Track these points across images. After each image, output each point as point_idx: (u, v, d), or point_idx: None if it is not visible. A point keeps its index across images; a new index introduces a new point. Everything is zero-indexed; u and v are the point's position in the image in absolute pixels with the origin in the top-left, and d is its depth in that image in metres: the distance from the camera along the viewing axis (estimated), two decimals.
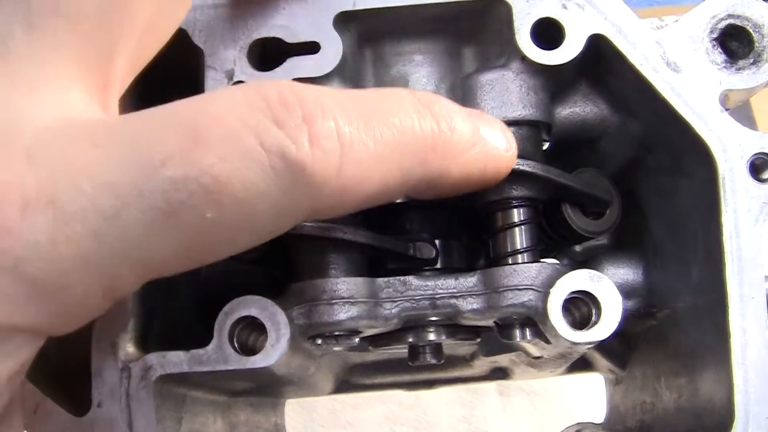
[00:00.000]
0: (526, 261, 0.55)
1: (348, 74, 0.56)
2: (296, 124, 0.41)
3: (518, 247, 0.55)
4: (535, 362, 0.71)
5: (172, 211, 0.39)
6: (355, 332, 0.55)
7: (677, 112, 0.53)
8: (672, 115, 0.54)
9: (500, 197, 0.54)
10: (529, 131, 0.56)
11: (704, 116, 0.53)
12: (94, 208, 0.39)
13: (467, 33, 0.58)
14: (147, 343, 0.55)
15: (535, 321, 0.54)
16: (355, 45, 0.58)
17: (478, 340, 0.64)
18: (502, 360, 0.80)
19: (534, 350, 0.64)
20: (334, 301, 0.53)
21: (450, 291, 0.55)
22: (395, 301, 0.55)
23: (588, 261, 0.66)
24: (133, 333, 0.54)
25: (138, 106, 0.55)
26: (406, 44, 0.59)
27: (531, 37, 0.54)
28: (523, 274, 0.53)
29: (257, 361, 0.51)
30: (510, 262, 0.55)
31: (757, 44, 0.54)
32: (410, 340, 0.60)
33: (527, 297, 0.53)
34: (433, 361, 0.63)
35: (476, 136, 0.49)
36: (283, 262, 0.56)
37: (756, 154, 0.53)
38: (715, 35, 0.54)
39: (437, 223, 0.58)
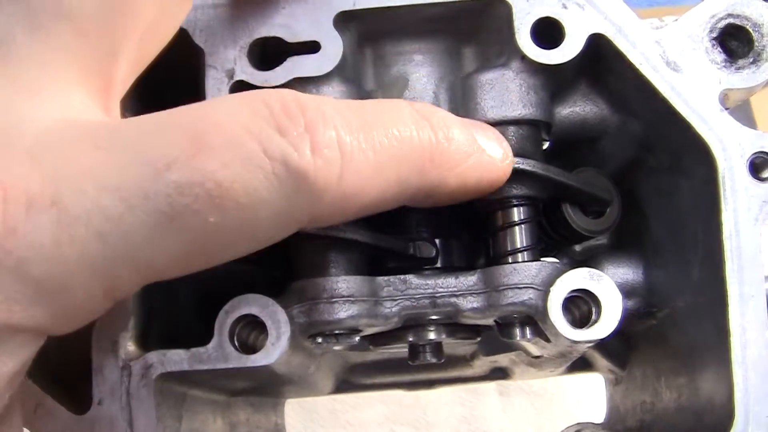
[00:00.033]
0: (526, 260, 0.55)
1: (348, 74, 0.56)
2: (298, 133, 0.42)
3: (518, 245, 0.55)
4: (535, 362, 0.71)
5: (176, 214, 0.40)
6: (355, 331, 0.56)
7: (677, 111, 0.54)
8: (672, 115, 0.54)
9: (500, 196, 0.54)
10: (529, 130, 0.56)
11: (704, 115, 0.53)
12: (98, 210, 0.39)
13: (467, 32, 0.58)
14: (147, 341, 0.55)
15: (535, 320, 0.54)
16: (356, 44, 0.58)
17: (478, 339, 0.64)
18: (502, 360, 0.80)
19: (534, 349, 0.64)
20: (334, 299, 0.53)
21: (450, 289, 0.55)
22: (395, 300, 0.55)
23: (588, 260, 0.66)
24: (133, 331, 0.54)
25: (138, 106, 0.56)
26: (406, 44, 0.59)
27: (531, 36, 0.54)
28: (523, 272, 0.54)
29: (258, 360, 0.51)
30: (510, 261, 0.55)
31: (756, 43, 0.54)
32: (410, 338, 0.60)
33: (527, 296, 0.53)
34: (433, 360, 0.63)
35: (473, 147, 0.50)
36: (284, 261, 0.56)
37: (756, 153, 0.53)
38: (714, 34, 0.54)
39: (437, 223, 0.58)
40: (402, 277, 0.56)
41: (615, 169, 0.64)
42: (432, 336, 0.59)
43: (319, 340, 0.55)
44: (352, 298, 0.53)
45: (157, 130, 0.41)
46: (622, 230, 0.63)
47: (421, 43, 0.59)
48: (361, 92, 0.57)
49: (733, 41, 0.54)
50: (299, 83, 0.54)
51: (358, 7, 0.55)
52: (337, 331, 0.55)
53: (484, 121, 0.54)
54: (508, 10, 0.54)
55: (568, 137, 0.62)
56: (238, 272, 0.59)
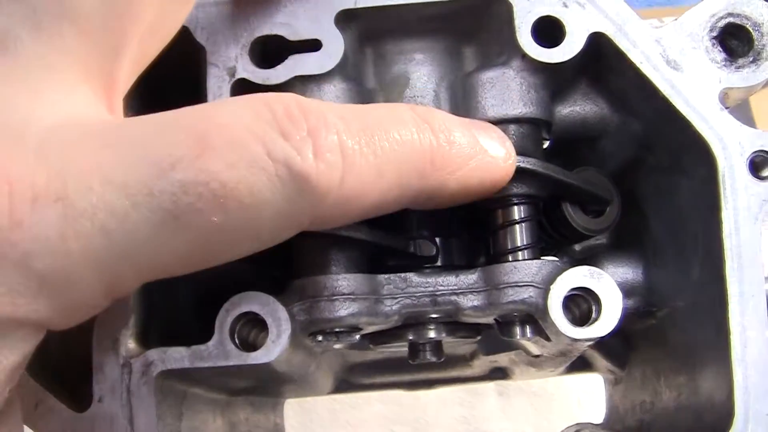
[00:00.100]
0: (526, 258, 0.55)
1: (349, 72, 0.57)
2: (301, 137, 0.42)
3: (518, 244, 0.55)
4: (535, 361, 0.71)
5: (180, 213, 0.40)
6: (355, 329, 0.56)
7: (677, 110, 0.54)
8: (672, 114, 0.54)
9: (501, 195, 0.54)
10: (530, 129, 0.56)
11: (704, 114, 0.53)
12: (104, 206, 0.40)
13: (468, 31, 0.58)
14: (148, 339, 0.55)
15: (535, 318, 0.54)
16: (357, 43, 0.58)
17: (478, 338, 0.64)
18: (502, 359, 0.80)
19: (534, 348, 0.64)
20: (334, 297, 0.53)
21: (450, 288, 0.56)
22: (396, 298, 0.55)
23: (587, 259, 0.66)
24: (134, 329, 0.54)
25: (139, 104, 0.56)
26: (407, 43, 0.59)
27: (531, 35, 0.54)
28: (524, 271, 0.54)
29: (258, 357, 0.51)
30: (510, 259, 0.55)
31: (756, 43, 0.54)
32: (410, 337, 0.60)
33: (528, 294, 0.53)
34: (433, 359, 0.63)
35: (475, 148, 0.50)
36: (284, 259, 0.56)
37: (756, 152, 0.53)
38: (714, 34, 0.54)
39: (438, 221, 0.58)
40: (402, 275, 0.56)
41: (615, 168, 0.64)
42: (432, 334, 0.59)
43: (320, 338, 0.55)
44: (352, 296, 0.53)
45: (162, 130, 0.42)
46: (621, 229, 0.63)
47: (422, 42, 0.59)
48: (362, 91, 0.57)
49: (733, 40, 0.54)
50: (300, 81, 0.55)
51: (359, 5, 0.55)
52: (337, 329, 0.55)
53: (484, 120, 0.55)
54: (509, 8, 0.54)
55: (568, 136, 0.62)
56: (238, 271, 0.59)
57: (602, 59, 0.56)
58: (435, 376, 0.89)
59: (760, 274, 0.52)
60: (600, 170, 0.61)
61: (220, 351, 0.52)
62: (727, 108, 0.54)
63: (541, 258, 0.56)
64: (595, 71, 0.59)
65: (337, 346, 0.57)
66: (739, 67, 0.54)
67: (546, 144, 0.61)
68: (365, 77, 0.59)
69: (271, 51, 0.55)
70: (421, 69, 0.59)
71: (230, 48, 0.55)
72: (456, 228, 0.59)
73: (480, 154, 0.51)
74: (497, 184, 0.53)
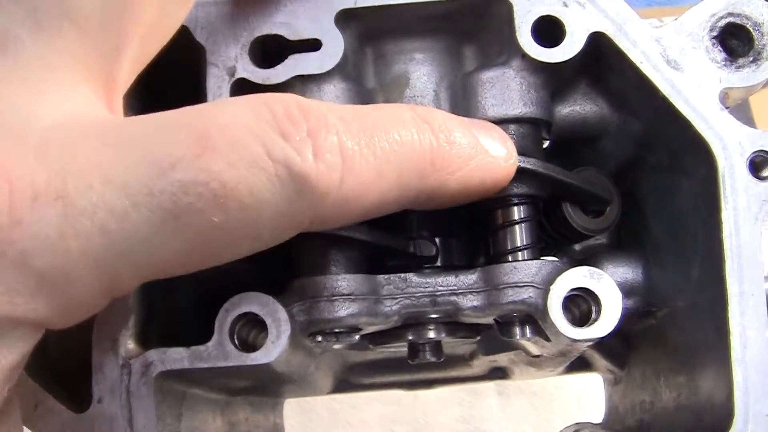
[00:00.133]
0: (526, 258, 0.55)
1: (349, 72, 0.56)
2: (301, 138, 0.42)
3: (518, 244, 0.55)
4: (535, 361, 0.71)
5: (180, 213, 0.40)
6: (355, 329, 0.56)
7: (677, 110, 0.54)
8: (672, 114, 0.54)
9: (501, 195, 0.54)
10: (530, 129, 0.56)
11: (704, 114, 0.53)
12: (103, 205, 0.40)
13: (468, 31, 0.58)
14: (147, 339, 0.55)
15: (535, 318, 0.54)
16: (357, 43, 0.58)
17: (478, 338, 0.64)
18: (502, 359, 0.80)
19: (534, 348, 0.64)
20: (334, 297, 0.53)
21: (450, 288, 0.56)
22: (395, 298, 0.55)
23: (587, 259, 0.66)
24: (133, 329, 0.54)
25: (139, 103, 0.56)
26: (407, 42, 0.59)
27: (531, 34, 0.54)
28: (524, 271, 0.54)
29: (258, 358, 0.51)
30: (510, 260, 0.55)
31: (756, 42, 0.54)
32: (410, 337, 0.60)
33: (527, 294, 0.53)
34: (433, 359, 0.63)
35: (475, 149, 0.50)
36: (284, 259, 0.56)
37: (756, 152, 0.53)
38: (715, 33, 0.54)
39: (437, 221, 0.58)
40: (402, 275, 0.56)
41: (615, 168, 0.64)
42: (432, 335, 0.59)
43: (319, 338, 0.55)
44: (352, 297, 0.53)
45: (162, 130, 0.42)
46: (621, 229, 0.63)
47: (421, 41, 0.59)
48: (362, 90, 0.57)
49: (734, 40, 0.54)
50: (300, 81, 0.54)
51: (359, 5, 0.55)
52: (337, 330, 0.55)
53: (484, 120, 0.54)
54: (509, 8, 0.54)
55: (568, 136, 0.62)
56: (238, 270, 0.59)
57: (602, 59, 0.56)
58: (434, 375, 0.89)
59: (760, 274, 0.52)
60: (600, 170, 0.60)
61: (219, 352, 0.51)
62: (727, 108, 0.54)
63: (541, 258, 0.56)
64: (595, 71, 0.59)
65: (336, 346, 0.57)
66: (739, 67, 0.54)
67: (546, 144, 0.61)
68: (365, 77, 0.59)
69: (270, 51, 0.55)
70: (421, 69, 0.59)
71: (230, 47, 0.55)
72: (456, 228, 0.59)
73: (481, 154, 0.51)
74: (498, 184, 0.52)
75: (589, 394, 1.19)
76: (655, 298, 0.64)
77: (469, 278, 0.56)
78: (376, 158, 0.45)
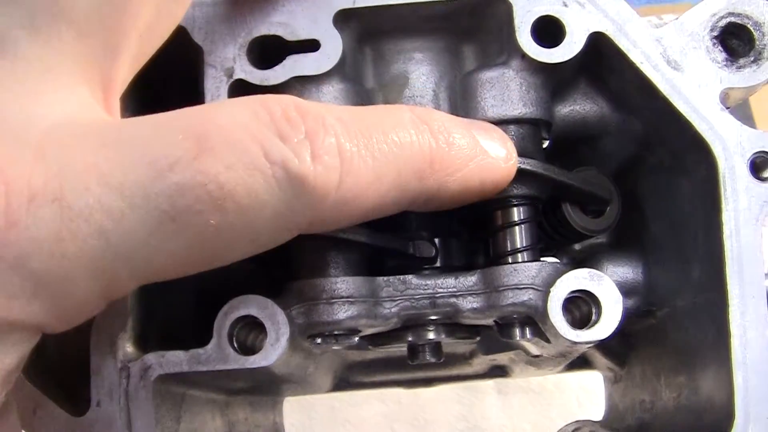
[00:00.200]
0: (526, 260, 0.55)
1: (348, 72, 0.56)
2: (299, 140, 0.42)
3: (518, 245, 0.55)
4: (535, 360, 0.71)
5: (177, 215, 0.40)
6: (354, 331, 0.55)
7: (677, 110, 0.53)
8: (672, 114, 0.54)
9: (500, 196, 0.54)
10: (530, 129, 0.56)
11: (705, 114, 0.53)
12: (100, 207, 0.39)
13: (467, 31, 0.58)
14: (146, 342, 0.55)
15: (535, 320, 0.54)
16: (355, 43, 0.57)
17: (478, 338, 0.64)
18: (502, 358, 0.80)
19: (534, 349, 0.64)
20: (333, 300, 0.53)
21: (450, 290, 0.55)
22: (395, 300, 0.55)
23: (587, 259, 0.66)
24: (131, 332, 0.53)
25: (137, 104, 0.55)
26: (406, 42, 0.59)
27: (531, 34, 0.53)
28: (524, 273, 0.53)
29: (257, 361, 0.51)
30: (510, 261, 0.55)
31: (757, 42, 0.53)
32: (410, 339, 0.59)
33: (527, 296, 0.53)
34: (433, 360, 0.62)
35: (475, 150, 0.50)
36: (283, 261, 0.56)
37: (756, 152, 0.52)
38: (715, 33, 0.54)
39: (437, 222, 0.58)
40: (401, 277, 0.55)
41: (615, 167, 0.63)
42: (431, 336, 0.59)
43: (318, 340, 0.55)
44: (351, 299, 0.53)
45: (160, 131, 0.42)
46: (621, 229, 0.63)
47: (421, 41, 0.59)
48: (361, 91, 0.57)
49: (734, 40, 0.54)
50: (299, 82, 0.54)
51: (357, 5, 0.54)
52: (336, 332, 0.54)
53: (484, 120, 0.54)
54: (509, 8, 0.54)
55: (568, 136, 0.61)
56: (237, 272, 0.59)
57: (602, 59, 0.56)
58: (434, 374, 0.89)
59: (761, 276, 0.52)
60: (600, 170, 0.60)
61: (218, 355, 0.51)
62: (727, 108, 0.54)
63: (541, 259, 0.56)
64: (595, 71, 0.58)
65: (335, 348, 0.57)
66: (740, 67, 0.54)
67: (545, 144, 0.61)
68: (364, 77, 0.59)
69: (269, 51, 0.54)
70: (420, 68, 0.59)
71: (228, 48, 0.54)
72: (455, 228, 0.59)
73: (480, 155, 0.50)
74: (498, 185, 0.52)
75: (588, 392, 1.19)
76: (655, 297, 0.64)
77: (469, 280, 0.55)
78: (374, 160, 0.45)
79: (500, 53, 0.56)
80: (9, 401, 0.44)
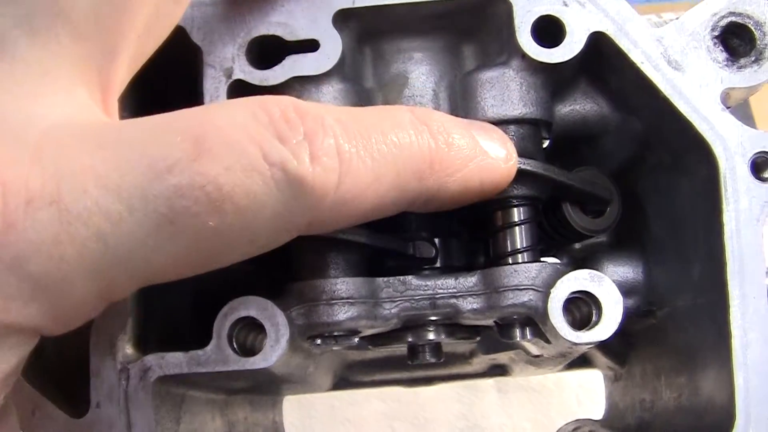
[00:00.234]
0: (526, 260, 0.55)
1: (347, 72, 0.56)
2: (298, 141, 0.42)
3: (518, 246, 0.55)
4: (535, 360, 0.71)
5: (175, 217, 0.40)
6: (354, 332, 0.55)
7: (678, 110, 0.53)
8: (673, 114, 0.53)
9: (500, 196, 0.54)
10: (530, 130, 0.56)
11: (705, 114, 0.53)
12: (98, 209, 0.39)
13: (467, 30, 0.58)
14: (145, 343, 0.55)
15: (535, 321, 0.54)
16: (355, 43, 0.57)
17: (478, 339, 0.64)
18: (501, 357, 0.80)
19: (534, 349, 0.64)
20: (333, 301, 0.53)
21: (450, 291, 0.55)
22: (395, 301, 0.55)
23: (588, 259, 0.66)
24: (131, 333, 0.53)
25: (136, 104, 0.55)
26: (405, 41, 0.58)
27: (531, 34, 0.53)
28: (524, 274, 0.53)
29: (256, 362, 0.51)
30: (510, 262, 0.55)
31: (758, 42, 0.53)
32: (409, 339, 0.59)
33: (528, 297, 0.53)
34: (433, 360, 0.62)
35: (474, 150, 0.50)
36: (282, 261, 0.56)
37: (757, 153, 0.52)
38: (716, 33, 0.54)
39: (437, 222, 0.58)
40: (401, 278, 0.55)
41: (615, 167, 0.63)
42: (431, 336, 0.59)
43: (318, 341, 0.55)
44: (351, 300, 0.53)
45: (158, 132, 0.41)
46: (622, 228, 0.63)
47: (420, 40, 0.59)
48: (360, 91, 0.57)
49: (735, 39, 0.54)
50: (298, 82, 0.54)
51: (357, 5, 0.54)
52: (336, 333, 0.54)
53: (484, 120, 0.54)
54: (509, 8, 0.54)
55: (568, 135, 0.61)
56: (236, 273, 0.59)
57: (603, 59, 0.55)
58: (434, 373, 0.89)
59: (762, 277, 0.51)
60: (600, 170, 0.60)
61: (218, 356, 0.51)
62: (728, 108, 0.54)
63: (542, 260, 0.56)
64: (596, 70, 0.58)
65: (335, 348, 0.57)
66: (741, 67, 0.53)
67: (546, 143, 0.60)
68: (364, 77, 0.58)
69: (268, 51, 0.54)
70: (420, 68, 0.59)
71: (227, 48, 0.54)
72: (455, 229, 0.59)
73: (480, 155, 0.50)
74: (498, 185, 0.52)
75: (588, 391, 1.19)
76: (656, 297, 0.64)
77: (469, 281, 0.55)
78: (373, 161, 0.45)
79: (500, 53, 0.56)
80: (8, 404, 0.44)
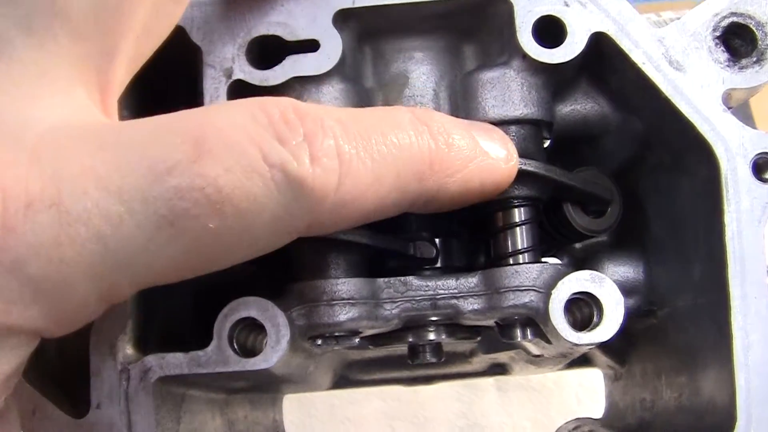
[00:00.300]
0: (527, 261, 0.55)
1: (348, 72, 0.56)
2: (297, 142, 0.42)
3: (519, 247, 0.55)
4: (535, 360, 0.71)
5: (175, 219, 0.40)
6: (355, 332, 0.55)
7: (679, 110, 0.53)
8: (674, 114, 0.53)
9: (501, 197, 0.54)
10: (531, 130, 0.56)
11: (707, 115, 0.53)
12: (99, 212, 0.39)
13: (468, 30, 0.58)
14: (145, 343, 0.55)
15: (536, 321, 0.54)
16: (355, 42, 0.57)
17: (478, 339, 0.64)
18: (502, 357, 0.80)
19: (534, 349, 0.64)
20: (334, 302, 0.53)
21: (451, 291, 0.55)
22: (396, 302, 0.55)
23: (588, 259, 0.66)
24: (131, 334, 0.53)
25: (136, 104, 0.55)
26: (406, 41, 0.58)
27: (532, 35, 0.53)
28: (525, 274, 0.53)
29: (257, 363, 0.51)
30: (511, 263, 0.55)
31: (760, 42, 0.53)
32: (410, 339, 0.59)
33: (529, 298, 0.53)
34: (433, 360, 0.62)
35: (475, 151, 0.50)
36: (283, 262, 0.56)
37: (759, 153, 0.52)
38: (718, 33, 0.54)
39: (437, 223, 0.58)
40: (402, 278, 0.55)
41: (616, 167, 0.63)
42: (432, 336, 0.59)
43: (319, 341, 0.55)
44: (352, 301, 0.53)
45: (158, 134, 0.41)
46: (622, 228, 0.63)
47: (421, 40, 0.58)
48: (360, 90, 0.57)
49: (737, 40, 0.54)
50: (298, 82, 0.54)
51: (357, 5, 0.54)
52: (337, 333, 0.54)
53: (485, 121, 0.54)
54: (510, 8, 0.53)
55: (568, 135, 0.61)
56: (237, 273, 0.59)
57: (604, 59, 0.55)
58: (434, 372, 0.89)
59: (763, 278, 0.51)
60: (601, 170, 0.60)
61: (218, 357, 0.51)
62: (730, 108, 0.53)
63: (543, 261, 0.56)
64: (596, 70, 0.58)
65: (336, 348, 0.57)
66: (742, 68, 0.53)
67: (546, 143, 0.60)
68: (364, 77, 0.58)
69: (268, 51, 0.54)
70: (420, 67, 0.58)
71: (227, 48, 0.54)
72: (456, 229, 0.59)
73: (480, 156, 0.50)
74: (499, 186, 0.52)
75: (588, 390, 1.19)
76: (656, 297, 0.64)
77: (470, 281, 0.55)
78: (373, 161, 0.45)
79: (501, 53, 0.56)
80: (9, 406, 0.44)
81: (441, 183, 0.48)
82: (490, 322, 0.58)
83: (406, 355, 0.64)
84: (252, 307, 0.51)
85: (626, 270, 0.65)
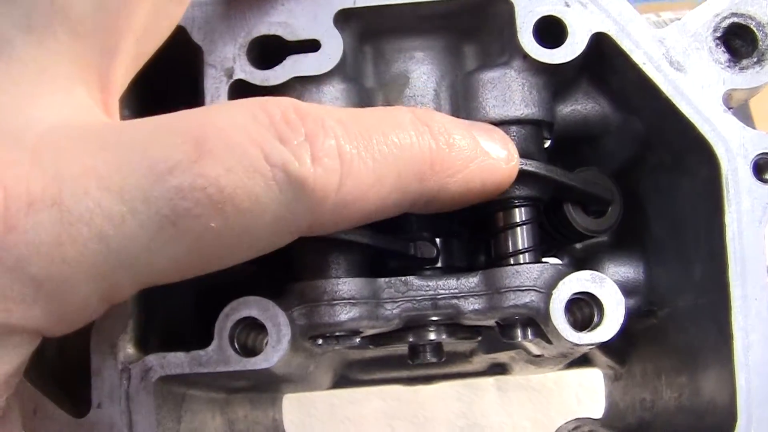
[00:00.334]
0: (528, 261, 0.55)
1: (349, 72, 0.56)
2: (299, 142, 0.42)
3: (520, 247, 0.55)
4: (535, 360, 0.71)
5: (177, 219, 0.40)
6: (355, 332, 0.55)
7: (680, 111, 0.53)
8: (675, 114, 0.53)
9: (502, 197, 0.54)
10: (532, 130, 0.56)
11: (707, 116, 0.53)
12: (100, 211, 0.39)
13: (468, 30, 0.58)
14: (146, 343, 0.55)
15: (536, 321, 0.54)
16: (356, 42, 0.57)
17: (479, 338, 0.64)
18: (502, 357, 0.80)
19: (535, 349, 0.64)
20: (335, 302, 0.53)
21: (451, 291, 0.55)
22: (396, 302, 0.55)
23: (589, 258, 0.66)
24: (132, 334, 0.53)
25: (137, 104, 0.55)
26: (407, 41, 0.58)
27: (533, 35, 0.53)
28: (526, 274, 0.53)
29: (258, 363, 0.51)
30: (512, 263, 0.55)
31: (760, 43, 0.53)
32: (411, 339, 0.59)
33: (529, 298, 0.53)
34: (434, 360, 0.62)
35: (476, 151, 0.50)
36: (284, 262, 0.56)
37: (759, 154, 0.52)
38: (718, 34, 0.54)
39: (438, 222, 0.58)
40: (403, 278, 0.55)
41: (616, 167, 0.63)
42: (432, 336, 0.59)
43: (320, 341, 0.55)
44: (352, 301, 0.53)
45: (159, 134, 0.41)
46: (623, 228, 0.63)
47: (421, 40, 0.58)
48: (361, 90, 0.57)
49: (737, 40, 0.54)
50: (299, 82, 0.54)
51: (358, 5, 0.54)
52: (337, 333, 0.54)
53: (485, 121, 0.54)
54: (510, 8, 0.54)
55: (569, 135, 0.61)
56: (238, 273, 0.59)
57: (604, 59, 0.55)
58: (434, 371, 0.89)
59: (764, 278, 0.51)
60: (601, 170, 0.60)
61: (219, 356, 0.51)
62: (730, 109, 0.53)
63: (543, 261, 0.56)
64: (597, 70, 0.58)
65: (337, 348, 0.57)
66: (743, 68, 0.53)
67: (547, 143, 0.60)
68: (365, 76, 0.58)
69: (269, 51, 0.54)
70: (421, 67, 0.58)
71: (227, 48, 0.54)
72: (456, 229, 0.59)
73: (481, 156, 0.50)
74: (500, 186, 0.52)
75: (588, 390, 1.19)
76: (657, 297, 0.64)
77: (471, 281, 0.55)
78: (374, 162, 0.45)
79: (502, 53, 0.56)
80: (11, 405, 0.44)
81: (442, 183, 0.48)
82: (491, 322, 0.58)
83: (407, 354, 0.64)
84: (253, 307, 0.51)
85: (627, 270, 0.65)
